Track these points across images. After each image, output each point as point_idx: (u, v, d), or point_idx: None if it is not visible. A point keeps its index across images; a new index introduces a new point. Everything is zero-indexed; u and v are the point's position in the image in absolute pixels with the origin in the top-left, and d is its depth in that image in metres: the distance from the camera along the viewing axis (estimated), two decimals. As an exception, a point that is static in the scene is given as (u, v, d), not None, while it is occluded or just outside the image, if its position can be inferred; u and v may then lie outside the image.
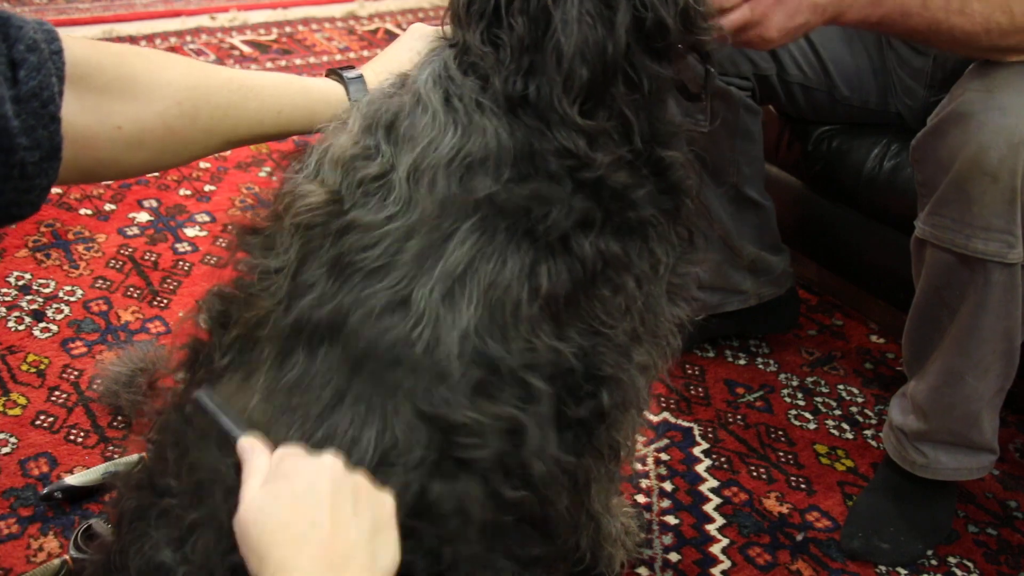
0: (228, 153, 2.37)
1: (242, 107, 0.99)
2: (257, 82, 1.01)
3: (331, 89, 1.06)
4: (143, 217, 2.11)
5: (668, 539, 1.49)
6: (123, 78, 0.92)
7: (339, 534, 0.75)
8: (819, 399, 1.81)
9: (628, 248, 0.99)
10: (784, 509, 1.57)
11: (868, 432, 1.74)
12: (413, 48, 1.08)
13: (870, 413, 1.78)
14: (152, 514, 0.94)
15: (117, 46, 0.95)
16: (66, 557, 1.32)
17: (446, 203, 0.93)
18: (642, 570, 1.43)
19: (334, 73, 1.09)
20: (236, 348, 0.97)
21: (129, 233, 2.05)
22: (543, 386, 0.95)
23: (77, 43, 0.88)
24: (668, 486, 1.59)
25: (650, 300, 1.05)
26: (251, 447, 0.83)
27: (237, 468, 0.84)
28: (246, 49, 2.94)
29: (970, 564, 1.51)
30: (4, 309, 1.80)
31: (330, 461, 0.81)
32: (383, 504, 0.81)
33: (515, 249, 0.93)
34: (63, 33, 0.86)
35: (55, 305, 1.82)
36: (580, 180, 0.95)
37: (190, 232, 2.08)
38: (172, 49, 2.87)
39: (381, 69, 1.08)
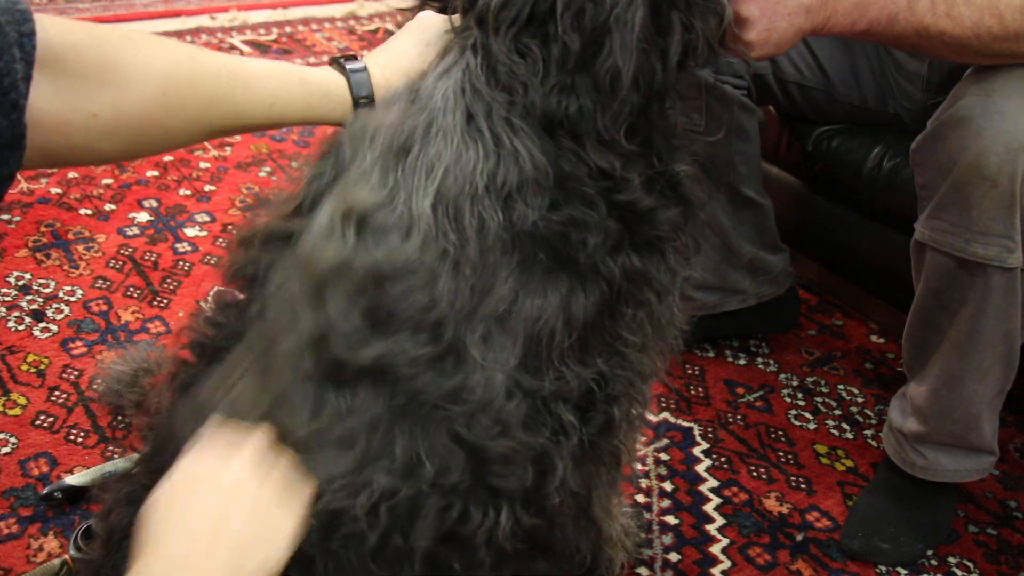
0: (228, 153, 2.37)
1: (230, 98, 0.93)
2: (250, 71, 0.95)
3: (332, 82, 1.00)
4: (143, 217, 2.11)
5: (668, 539, 1.49)
6: (103, 63, 0.86)
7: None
8: (819, 399, 1.81)
9: (648, 263, 0.98)
10: (784, 509, 1.57)
11: (868, 432, 1.73)
12: (422, 40, 1.02)
13: (870, 413, 1.78)
14: None
15: (102, 28, 0.90)
16: (66, 557, 1.32)
17: (489, 238, 0.89)
18: (642, 570, 1.43)
19: (336, 63, 1.03)
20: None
21: (129, 233, 2.05)
22: (574, 420, 0.95)
23: (55, 25, 0.83)
24: (668, 486, 1.59)
25: (668, 312, 1.05)
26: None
27: None
28: (246, 49, 2.94)
29: (970, 564, 1.51)
30: (4, 309, 1.80)
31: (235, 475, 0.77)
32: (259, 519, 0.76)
33: (554, 281, 0.91)
34: (42, 15, 0.81)
35: (55, 305, 1.82)
36: (612, 202, 0.93)
37: (190, 232, 2.08)
38: (172, 49, 2.87)
39: (387, 63, 1.02)
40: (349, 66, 1.00)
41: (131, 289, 1.89)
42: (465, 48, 0.95)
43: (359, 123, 0.96)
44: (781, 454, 1.68)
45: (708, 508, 1.56)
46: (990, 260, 1.25)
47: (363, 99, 0.99)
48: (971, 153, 1.21)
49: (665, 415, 1.73)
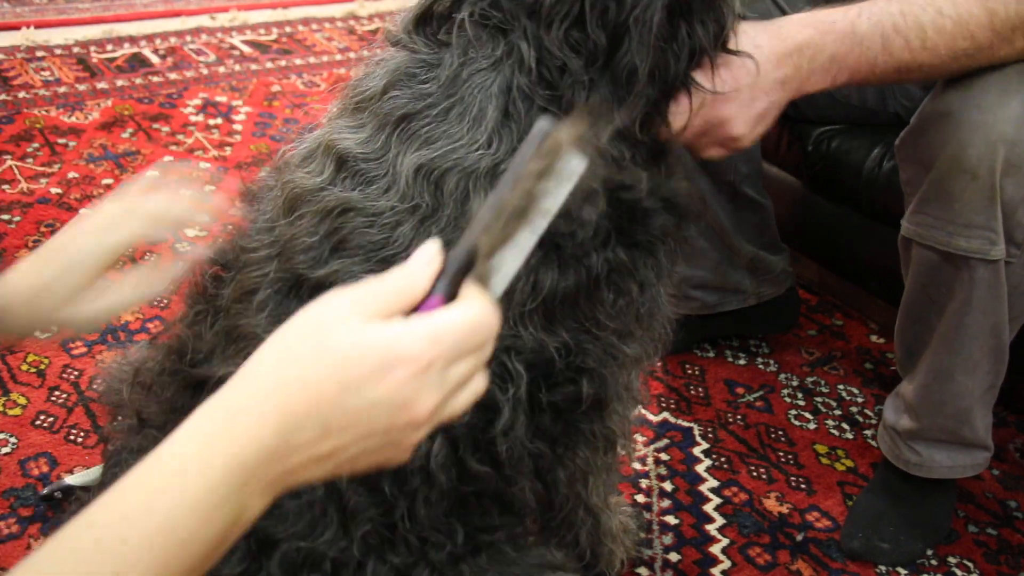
0: (228, 153, 2.37)
1: None
2: None
3: None
4: (143, 217, 2.11)
5: (668, 539, 1.50)
6: None
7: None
8: (819, 399, 1.81)
9: (635, 257, 1.01)
10: (784, 509, 1.57)
11: (868, 432, 1.73)
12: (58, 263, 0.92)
13: (870, 413, 1.78)
14: (132, 450, 0.99)
15: None
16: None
17: (470, 209, 0.93)
18: (642, 570, 1.43)
19: None
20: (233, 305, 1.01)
21: (129, 233, 2.05)
22: (520, 370, 0.97)
23: None
24: (668, 486, 1.59)
25: (651, 303, 1.07)
26: (428, 259, 0.62)
27: None
28: (246, 49, 2.94)
29: (970, 564, 1.51)
30: (4, 309, 1.80)
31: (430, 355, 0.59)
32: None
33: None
34: None
35: (55, 305, 1.82)
36: (615, 200, 0.96)
37: (190, 232, 2.08)
38: (172, 49, 2.87)
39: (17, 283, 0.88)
40: None
41: (131, 289, 1.89)
42: (512, 40, 0.96)
43: (375, 88, 1.01)
44: (781, 454, 1.68)
45: (708, 508, 1.56)
46: (973, 253, 1.26)
47: None
48: (951, 147, 1.22)
49: (665, 415, 1.73)
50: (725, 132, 1.09)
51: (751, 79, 1.07)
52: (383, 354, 0.58)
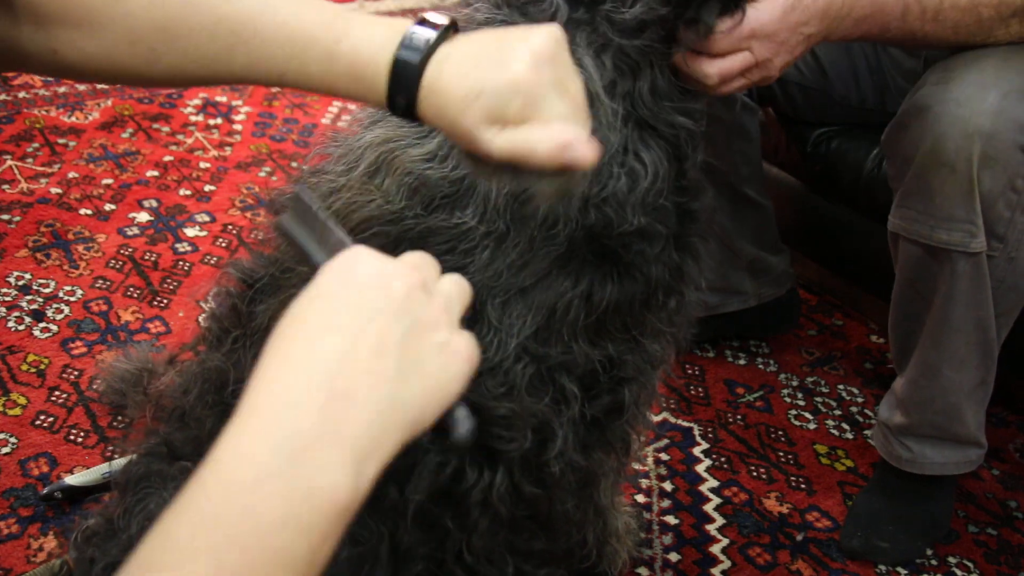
0: (228, 153, 2.37)
1: (225, 60, 0.79)
2: (261, 32, 0.77)
3: (367, 67, 0.76)
4: (143, 217, 2.11)
5: (668, 539, 1.50)
6: (71, 5, 0.78)
7: (363, 359, 0.57)
8: (819, 399, 1.81)
9: (684, 259, 1.02)
10: (784, 509, 1.57)
11: (868, 432, 1.74)
12: (535, 49, 0.73)
13: (870, 413, 1.78)
14: (164, 477, 0.97)
15: None
16: (66, 557, 1.32)
17: (555, 239, 0.92)
18: (642, 570, 1.43)
19: (422, 24, 0.75)
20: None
21: (129, 233, 2.05)
22: (576, 391, 0.97)
23: None
24: (668, 486, 1.59)
25: (694, 302, 1.08)
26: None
27: None
28: (246, 49, 2.94)
29: (970, 564, 1.51)
30: (4, 309, 1.80)
31: (408, 272, 0.61)
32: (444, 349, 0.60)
33: (590, 270, 0.94)
34: None
35: (55, 305, 1.82)
36: (682, 211, 0.97)
37: (190, 232, 2.08)
38: (172, 49, 2.87)
39: (459, 60, 0.74)
40: (402, 53, 0.75)
41: (131, 289, 1.89)
42: (640, 62, 0.94)
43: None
44: (781, 454, 1.68)
45: (708, 508, 1.56)
46: (954, 246, 1.26)
47: (400, 100, 0.76)
48: (930, 140, 1.23)
49: (665, 415, 1.73)
50: (765, 73, 1.08)
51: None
52: (339, 262, 0.62)
